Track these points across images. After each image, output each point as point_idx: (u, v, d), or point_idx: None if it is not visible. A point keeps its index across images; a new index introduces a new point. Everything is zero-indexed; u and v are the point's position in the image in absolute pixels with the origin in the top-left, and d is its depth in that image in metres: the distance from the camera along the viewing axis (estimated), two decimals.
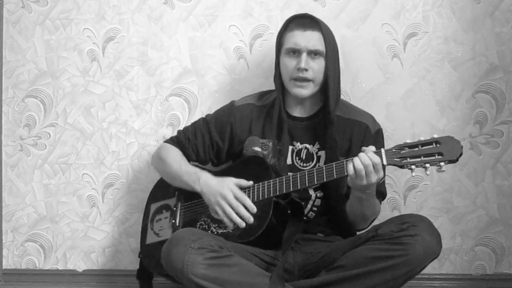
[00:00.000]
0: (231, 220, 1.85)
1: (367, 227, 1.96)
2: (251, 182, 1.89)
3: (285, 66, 1.94)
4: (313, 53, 1.91)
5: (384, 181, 1.99)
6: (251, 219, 1.84)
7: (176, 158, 2.02)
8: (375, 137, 1.98)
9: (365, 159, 1.68)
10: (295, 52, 1.92)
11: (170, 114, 2.38)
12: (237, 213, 1.85)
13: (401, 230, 1.69)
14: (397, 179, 2.33)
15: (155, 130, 2.39)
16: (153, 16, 2.37)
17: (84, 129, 2.41)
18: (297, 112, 2.01)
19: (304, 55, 1.91)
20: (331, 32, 1.97)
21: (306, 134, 1.99)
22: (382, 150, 1.69)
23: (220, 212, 1.87)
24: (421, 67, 2.31)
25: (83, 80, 2.40)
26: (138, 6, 2.37)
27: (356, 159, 1.69)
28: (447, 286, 2.34)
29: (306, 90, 1.93)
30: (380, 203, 1.96)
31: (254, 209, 1.84)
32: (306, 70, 1.91)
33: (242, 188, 1.89)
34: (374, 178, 1.69)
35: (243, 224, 1.84)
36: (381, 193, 1.95)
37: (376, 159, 1.68)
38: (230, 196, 1.86)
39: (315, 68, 1.92)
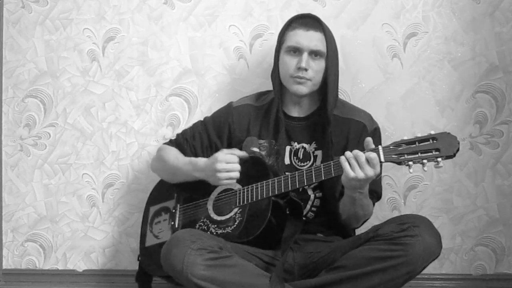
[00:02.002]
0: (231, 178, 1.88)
1: (359, 227, 1.97)
2: (243, 153, 1.92)
3: (285, 64, 1.94)
4: (314, 53, 1.91)
5: (380, 180, 1.98)
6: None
7: (173, 154, 2.03)
8: (372, 135, 1.95)
9: (356, 151, 1.68)
10: (296, 51, 1.92)
11: (170, 114, 2.38)
12: (231, 173, 1.87)
13: (402, 230, 1.69)
14: (397, 179, 2.33)
15: (155, 130, 2.39)
16: (153, 16, 2.37)
17: (84, 129, 2.40)
18: (295, 111, 2.01)
19: (305, 55, 1.90)
20: (332, 33, 1.96)
21: (303, 134, 1.99)
22: (380, 147, 1.69)
23: (220, 182, 1.88)
24: (421, 67, 2.31)
25: (83, 80, 2.40)
26: (138, 6, 2.37)
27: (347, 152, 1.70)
28: (447, 286, 2.34)
29: (305, 87, 1.93)
30: (374, 204, 1.96)
31: (245, 154, 1.91)
32: (306, 70, 1.91)
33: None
34: (370, 172, 1.68)
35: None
36: (376, 193, 1.95)
37: (372, 154, 1.67)
38: (221, 166, 1.86)
39: (315, 68, 1.92)
